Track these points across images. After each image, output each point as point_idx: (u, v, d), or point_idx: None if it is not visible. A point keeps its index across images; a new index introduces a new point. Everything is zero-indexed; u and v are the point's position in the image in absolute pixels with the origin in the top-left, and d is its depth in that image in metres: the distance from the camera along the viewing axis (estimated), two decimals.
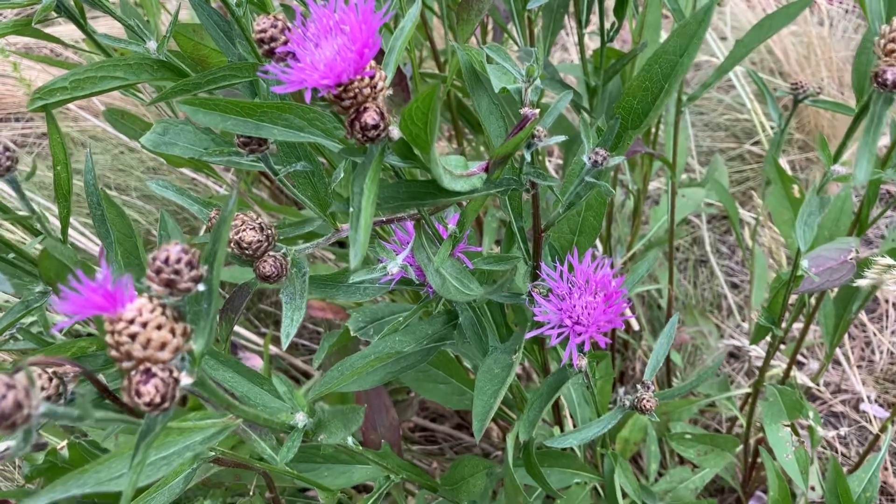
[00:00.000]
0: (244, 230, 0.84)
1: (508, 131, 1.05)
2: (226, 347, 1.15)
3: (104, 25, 2.40)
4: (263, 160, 0.87)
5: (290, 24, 0.75)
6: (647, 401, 1.19)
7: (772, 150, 1.84)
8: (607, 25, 1.46)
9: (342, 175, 1.03)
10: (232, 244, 0.84)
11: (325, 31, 0.72)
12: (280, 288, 0.88)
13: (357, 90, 0.73)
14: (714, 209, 2.45)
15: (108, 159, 2.18)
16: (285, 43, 0.74)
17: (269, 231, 0.85)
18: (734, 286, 2.41)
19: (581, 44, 1.61)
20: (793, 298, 1.47)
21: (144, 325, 0.60)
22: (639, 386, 1.23)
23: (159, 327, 0.61)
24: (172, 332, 0.62)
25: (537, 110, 0.86)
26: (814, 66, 2.75)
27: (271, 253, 0.85)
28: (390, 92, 0.76)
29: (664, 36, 2.22)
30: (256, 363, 1.96)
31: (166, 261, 0.61)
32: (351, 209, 0.72)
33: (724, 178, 2.12)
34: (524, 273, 1.09)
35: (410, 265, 1.02)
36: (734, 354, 2.13)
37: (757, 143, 2.64)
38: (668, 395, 1.30)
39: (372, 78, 0.73)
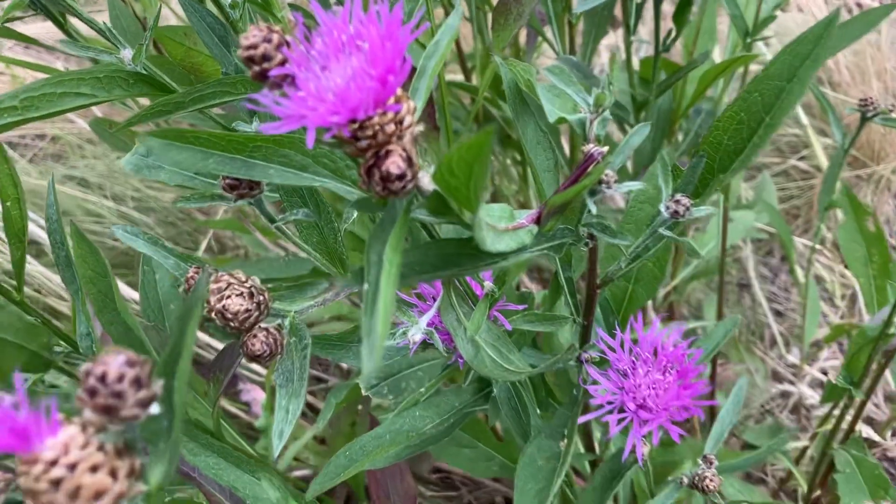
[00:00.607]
0: (229, 297, 0.66)
1: (558, 163, 0.86)
2: (214, 414, 0.97)
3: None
4: (257, 205, 0.69)
5: (289, 39, 0.57)
6: (711, 480, 1.01)
7: (834, 171, 1.65)
8: (662, 32, 1.28)
9: (355, 215, 0.85)
10: (214, 314, 0.66)
11: (336, 49, 0.54)
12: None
13: (377, 127, 0.55)
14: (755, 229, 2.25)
15: (104, 165, 2.00)
16: (283, 63, 0.55)
17: (262, 297, 0.67)
18: (778, 314, 2.21)
19: (628, 52, 1.42)
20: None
21: (73, 466, 0.43)
22: (700, 461, 1.05)
23: (94, 468, 0.43)
24: (113, 473, 0.44)
25: (605, 148, 0.68)
26: (866, 75, 2.55)
27: (263, 325, 0.67)
28: (420, 128, 0.58)
29: (718, 50, 2.02)
30: (258, 396, 1.78)
31: (103, 379, 0.43)
32: (365, 285, 0.54)
33: (773, 199, 1.92)
34: (572, 332, 0.90)
35: (437, 327, 0.84)
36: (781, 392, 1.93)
37: (803, 157, 2.44)
38: (730, 468, 1.12)
39: (397, 112, 0.55)
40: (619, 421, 0.78)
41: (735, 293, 2.26)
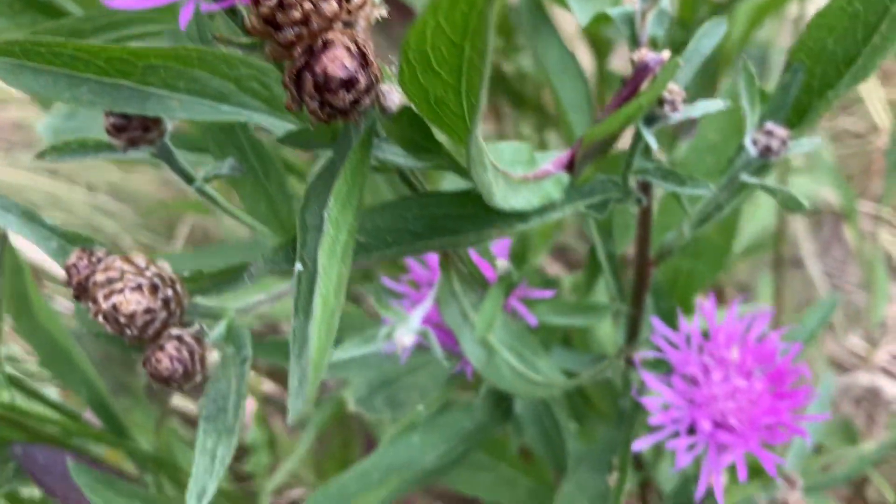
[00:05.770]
0: (121, 291, 0.45)
1: (591, 96, 0.64)
2: (160, 440, 0.77)
3: None
4: (163, 156, 0.48)
5: None
6: None
7: None
8: None
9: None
10: (103, 317, 0.45)
11: None
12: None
13: (309, 6, 0.33)
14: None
15: None
16: None
17: (170, 291, 0.46)
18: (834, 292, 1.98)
19: None
20: None
21: None
22: (780, 482, 0.83)
23: None
24: None
25: (665, 54, 0.46)
26: None
27: (175, 331, 0.46)
28: (383, 13, 0.37)
29: None
30: (248, 407, 1.58)
31: None
32: (297, 268, 0.33)
33: (829, 162, 1.70)
34: (615, 326, 0.69)
35: (434, 327, 0.63)
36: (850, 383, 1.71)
37: (852, 114, 2.19)
38: (819, 485, 0.90)
39: None
40: (690, 447, 0.56)
41: (784, 270, 2.03)
